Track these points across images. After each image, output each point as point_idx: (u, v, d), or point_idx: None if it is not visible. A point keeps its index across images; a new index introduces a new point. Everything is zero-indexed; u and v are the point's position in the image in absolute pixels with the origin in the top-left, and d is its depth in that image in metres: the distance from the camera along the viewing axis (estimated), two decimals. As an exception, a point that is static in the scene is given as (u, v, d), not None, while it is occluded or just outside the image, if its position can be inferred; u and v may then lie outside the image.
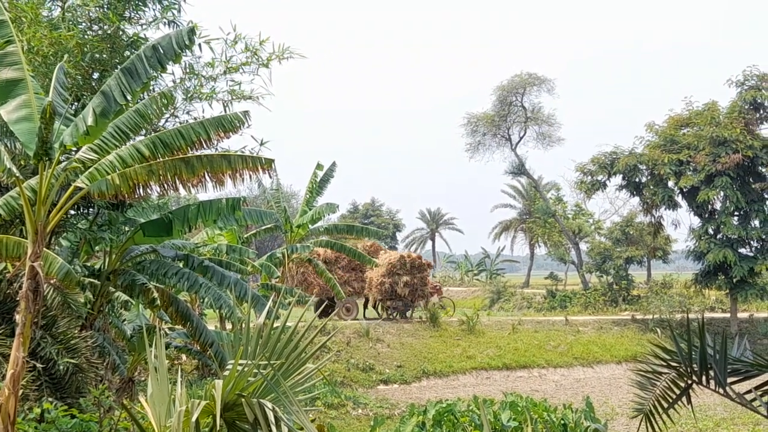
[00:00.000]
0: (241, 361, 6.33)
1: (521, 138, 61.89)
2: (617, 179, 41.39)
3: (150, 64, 11.68)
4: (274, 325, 6.84)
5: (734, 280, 38.82)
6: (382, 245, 42.65)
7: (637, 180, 40.44)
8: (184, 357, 26.27)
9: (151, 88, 16.28)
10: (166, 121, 18.11)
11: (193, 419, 5.98)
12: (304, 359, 6.91)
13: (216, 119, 12.25)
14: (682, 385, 6.40)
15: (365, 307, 42.43)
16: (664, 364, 6.44)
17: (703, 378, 6.18)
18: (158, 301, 15.00)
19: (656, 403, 6.57)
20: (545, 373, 33.30)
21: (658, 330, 36.92)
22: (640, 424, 6.80)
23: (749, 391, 6.29)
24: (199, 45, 16.95)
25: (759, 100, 38.64)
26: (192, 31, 12.44)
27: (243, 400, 6.13)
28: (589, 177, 41.42)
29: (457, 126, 60.70)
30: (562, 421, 13.57)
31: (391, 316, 39.67)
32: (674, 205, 40.37)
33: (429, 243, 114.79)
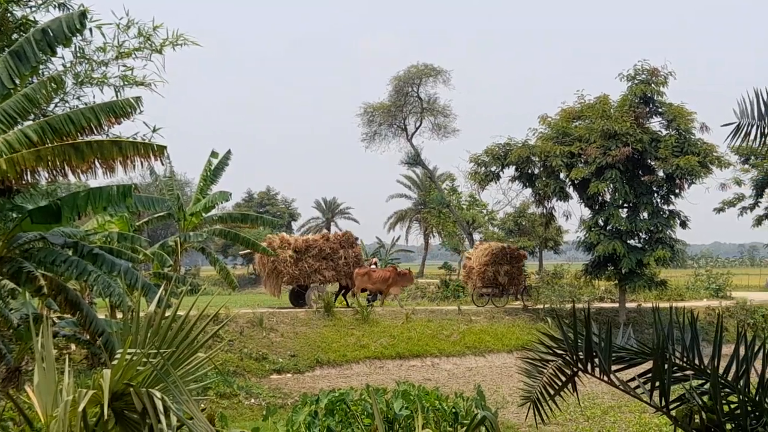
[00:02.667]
0: (130, 350, 6.27)
1: (417, 128, 62.14)
2: (510, 170, 41.56)
3: (39, 48, 11.45)
4: (165, 314, 6.78)
5: (623, 271, 39.55)
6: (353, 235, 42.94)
7: (529, 171, 40.75)
8: (73, 346, 25.75)
9: (40, 72, 15.94)
10: (56, 106, 17.76)
11: (80, 409, 5.91)
12: (195, 348, 6.88)
13: (107, 105, 12.07)
14: (569, 372, 6.55)
15: (343, 294, 42.45)
16: (551, 352, 6.59)
17: (589, 366, 6.35)
18: (45, 290, 14.70)
19: (543, 390, 6.72)
20: (438, 362, 33.59)
21: (549, 319, 37.55)
22: (527, 412, 6.93)
23: (633, 379, 6.49)
24: (90, 29, 16.64)
25: (649, 95, 39.37)
26: (83, 15, 12.23)
27: (131, 389, 6.07)
28: (483, 168, 41.49)
29: (354, 116, 60.70)
30: (454, 410, 13.76)
31: (486, 304, 42.16)
32: (566, 197, 40.79)
33: (324, 233, 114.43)
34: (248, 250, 45.82)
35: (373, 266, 43.60)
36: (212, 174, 33.70)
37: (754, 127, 6.77)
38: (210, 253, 34.76)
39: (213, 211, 34.69)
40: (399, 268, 44.50)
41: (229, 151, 34.36)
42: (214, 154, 33.89)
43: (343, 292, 42.29)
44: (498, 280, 42.44)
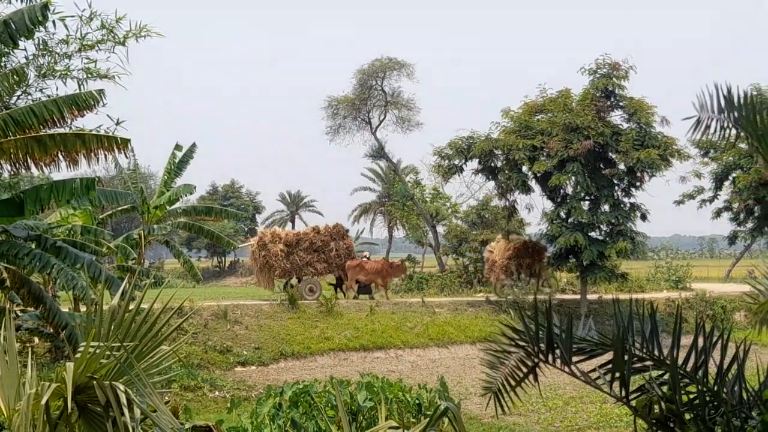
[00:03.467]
0: (93, 343, 6.22)
1: (381, 122, 62.13)
2: (473, 163, 41.61)
3: (1, 40, 11.33)
4: (129, 307, 6.74)
5: (584, 263, 39.79)
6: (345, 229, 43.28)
7: (492, 164, 40.79)
8: (36, 339, 25.57)
9: (2, 64, 15.77)
10: (18, 98, 17.57)
11: (43, 402, 5.86)
12: (158, 341, 6.84)
13: (70, 97, 11.97)
14: (530, 363, 6.59)
15: (339, 287, 43.21)
16: (513, 343, 6.62)
17: (550, 357, 6.39)
18: (8, 283, 14.58)
19: (505, 381, 6.74)
20: (402, 353, 33.66)
21: (511, 311, 37.71)
22: (488, 402, 6.96)
23: (594, 370, 6.54)
24: (53, 21, 16.46)
25: (610, 88, 39.54)
26: (45, 7, 12.11)
27: (95, 382, 6.03)
28: (446, 161, 41.51)
29: (319, 109, 60.41)
30: (417, 401, 13.79)
31: (508, 295, 42.91)
32: (528, 190, 40.86)
33: (289, 225, 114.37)
34: (246, 243, 46.40)
35: (364, 258, 43.78)
36: (176, 167, 33.55)
37: (714, 120, 6.81)
38: (174, 246, 34.66)
39: (177, 204, 34.54)
40: (393, 260, 45.44)
41: (194, 144, 34.22)
42: (178, 147, 33.73)
43: (341, 284, 42.96)
44: (521, 273, 43.75)
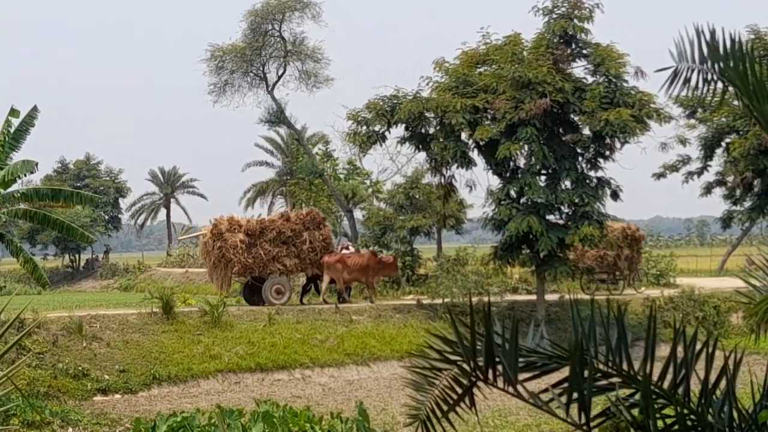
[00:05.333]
0: None
1: (280, 77, 61.77)
2: (399, 130, 41.48)
3: None
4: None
5: (541, 255, 39.90)
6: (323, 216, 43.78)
7: (423, 131, 40.61)
8: None
9: None
10: None
11: None
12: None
13: None
14: (466, 383, 6.60)
15: (313, 288, 44.32)
16: (444, 358, 6.62)
17: (490, 374, 6.40)
18: None
19: (435, 406, 6.74)
20: (310, 374, 33.65)
21: (449, 317, 37.84)
22: (417, 434, 6.96)
23: (546, 390, 6.57)
24: None
25: (570, 32, 39.56)
26: None
27: None
28: (364, 127, 41.24)
29: (198, 62, 59.31)
30: (329, 435, 13.84)
31: (595, 290, 45.71)
32: (469, 163, 40.69)
33: (163, 212, 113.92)
34: (192, 234, 46.32)
35: (345, 251, 43.83)
36: (12, 138, 33.01)
37: (695, 71, 6.89)
38: (12, 242, 34.18)
39: (14, 186, 34.05)
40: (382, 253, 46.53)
41: (34, 108, 33.70)
42: (13, 113, 33.16)
43: (311, 285, 43.93)
44: (618, 265, 47.19)
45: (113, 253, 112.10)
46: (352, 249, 46.04)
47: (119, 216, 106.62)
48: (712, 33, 6.45)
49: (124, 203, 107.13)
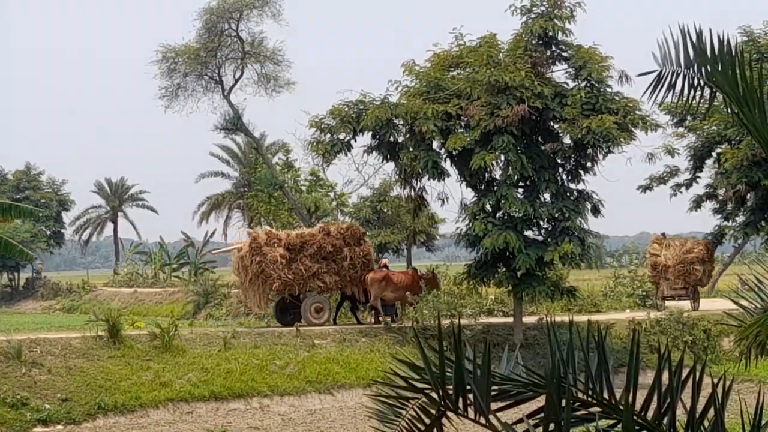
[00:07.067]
0: None
1: (237, 80, 61.71)
2: (365, 138, 41.36)
3: None
4: None
5: (518, 274, 39.77)
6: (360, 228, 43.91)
7: (391, 139, 40.49)
8: None
9: None
10: None
11: None
12: None
13: None
14: (434, 413, 6.57)
15: (351, 309, 44.75)
16: (410, 386, 6.59)
17: (461, 403, 6.37)
18: None
19: (400, 440, 6.71)
20: (268, 403, 33.50)
21: (420, 341, 37.75)
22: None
23: (521, 420, 6.54)
24: None
25: (551, 33, 39.53)
26: None
27: None
28: (328, 135, 41.13)
29: (148, 63, 59.02)
30: (287, 469, 13.80)
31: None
32: (441, 174, 40.53)
33: (110, 227, 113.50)
34: (224, 248, 46.44)
35: (384, 268, 43.91)
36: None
37: (680, 76, 6.90)
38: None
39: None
40: (420, 270, 46.52)
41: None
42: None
43: (350, 305, 44.24)
44: (700, 278, 50.42)
45: (55, 271, 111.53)
46: (388, 266, 46.45)
47: (62, 231, 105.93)
48: (699, 34, 6.46)
49: (67, 217, 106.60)
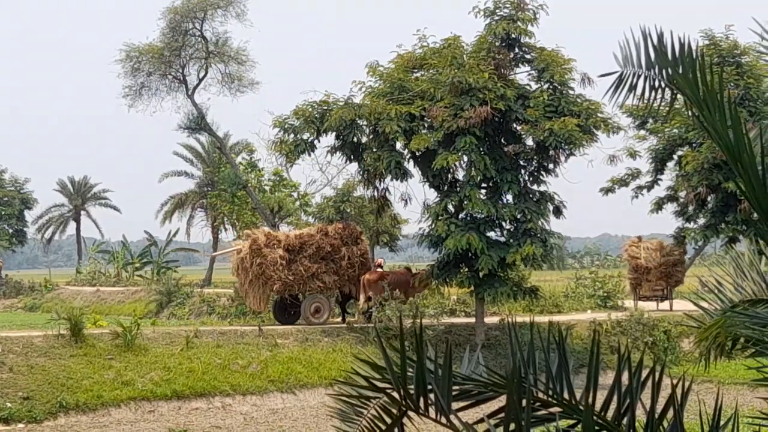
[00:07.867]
0: None
1: (201, 80, 61.72)
2: (329, 138, 41.25)
3: None
4: None
5: (481, 274, 39.84)
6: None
7: (355, 140, 40.39)
8: None
9: None
10: None
11: None
12: None
13: None
14: (395, 413, 6.56)
15: (340, 307, 44.91)
16: (371, 385, 6.58)
17: (422, 403, 6.36)
18: None
19: (362, 439, 6.70)
20: (230, 402, 33.41)
21: (382, 341, 37.76)
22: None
23: (481, 420, 6.54)
24: None
25: (514, 35, 39.59)
26: None
27: None
28: (292, 135, 41.04)
29: (112, 62, 58.99)
30: (248, 468, 13.77)
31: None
32: (404, 174, 40.49)
33: (72, 225, 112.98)
34: (225, 250, 46.54)
35: (379, 268, 43.99)
36: None
37: (642, 77, 6.92)
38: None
39: None
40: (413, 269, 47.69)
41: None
42: None
43: (346, 302, 44.69)
44: (680, 279, 53.22)
45: (16, 270, 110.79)
46: (382, 265, 46.68)
47: (24, 229, 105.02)
48: (660, 36, 6.47)
49: (30, 215, 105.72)
